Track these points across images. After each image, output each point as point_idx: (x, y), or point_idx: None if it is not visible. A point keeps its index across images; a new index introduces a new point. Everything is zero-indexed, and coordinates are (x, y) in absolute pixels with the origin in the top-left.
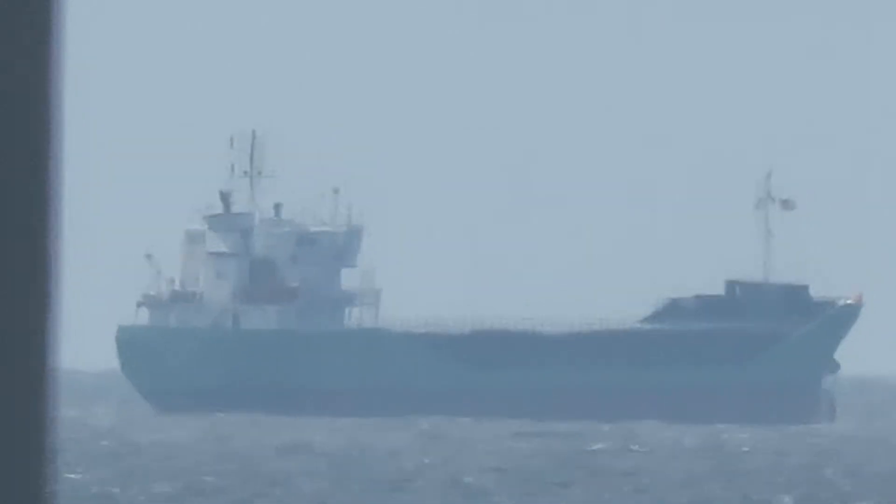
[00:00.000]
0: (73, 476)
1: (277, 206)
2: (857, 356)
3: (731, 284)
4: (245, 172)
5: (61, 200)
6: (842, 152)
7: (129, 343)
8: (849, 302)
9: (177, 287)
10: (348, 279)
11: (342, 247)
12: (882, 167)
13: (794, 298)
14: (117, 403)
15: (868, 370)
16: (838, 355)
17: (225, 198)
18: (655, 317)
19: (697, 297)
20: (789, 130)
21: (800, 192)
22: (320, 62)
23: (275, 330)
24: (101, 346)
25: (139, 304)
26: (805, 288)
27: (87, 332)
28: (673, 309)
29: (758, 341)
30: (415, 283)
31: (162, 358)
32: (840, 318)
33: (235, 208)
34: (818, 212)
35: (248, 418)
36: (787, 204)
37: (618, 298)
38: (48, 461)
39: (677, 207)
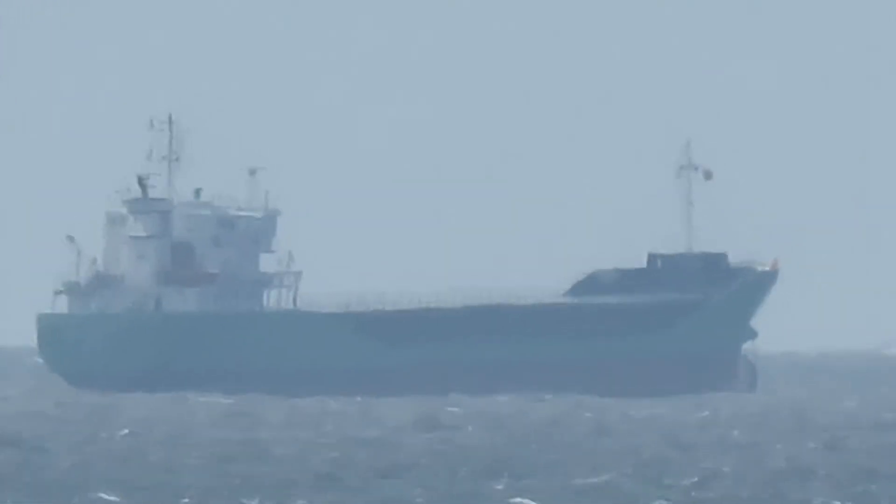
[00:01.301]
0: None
1: (197, 191)
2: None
3: (653, 257)
4: (163, 157)
5: None
6: (757, 122)
7: (49, 331)
8: (766, 268)
9: (99, 268)
10: (267, 262)
11: (260, 230)
12: (797, 135)
13: (713, 266)
14: (35, 382)
15: (785, 345)
16: (756, 325)
17: (142, 182)
18: (576, 290)
19: (617, 269)
20: (706, 100)
21: (717, 161)
22: (235, 46)
23: (197, 312)
24: (21, 326)
25: (57, 293)
26: (724, 256)
27: (8, 311)
28: (593, 282)
29: (676, 310)
30: (332, 265)
31: (82, 343)
32: (757, 283)
33: (153, 192)
34: (736, 180)
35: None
36: (707, 174)
37: (539, 272)
38: None
39: (597, 181)
